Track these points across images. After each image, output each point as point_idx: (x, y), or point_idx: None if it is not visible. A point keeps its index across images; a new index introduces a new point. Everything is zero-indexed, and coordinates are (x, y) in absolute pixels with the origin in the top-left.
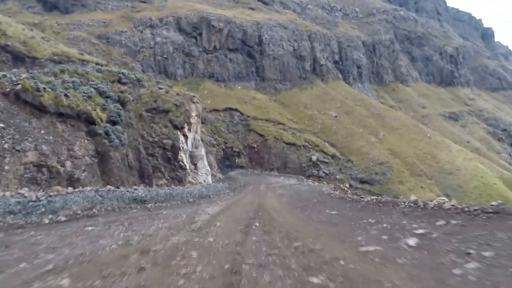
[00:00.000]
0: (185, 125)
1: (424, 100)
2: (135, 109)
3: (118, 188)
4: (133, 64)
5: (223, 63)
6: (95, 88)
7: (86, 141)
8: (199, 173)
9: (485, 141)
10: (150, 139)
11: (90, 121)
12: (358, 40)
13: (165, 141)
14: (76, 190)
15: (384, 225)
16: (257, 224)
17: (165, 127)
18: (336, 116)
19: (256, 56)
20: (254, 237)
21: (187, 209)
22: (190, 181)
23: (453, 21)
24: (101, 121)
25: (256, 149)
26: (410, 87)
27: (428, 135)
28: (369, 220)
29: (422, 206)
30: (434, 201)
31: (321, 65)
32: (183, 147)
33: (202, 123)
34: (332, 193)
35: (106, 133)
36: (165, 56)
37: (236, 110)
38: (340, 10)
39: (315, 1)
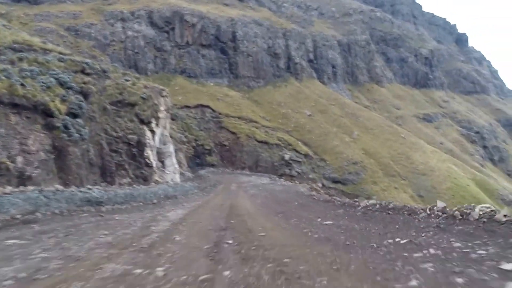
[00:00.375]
0: (153, 120)
1: (399, 101)
2: (98, 102)
3: (77, 187)
4: (102, 58)
5: (195, 58)
6: (55, 78)
7: (42, 135)
8: (167, 172)
9: (458, 143)
10: (114, 134)
11: (47, 113)
12: (333, 39)
13: (130, 136)
14: (16, 190)
15: (431, 250)
16: (230, 242)
17: (130, 121)
18: (310, 115)
19: (229, 52)
20: (227, 271)
21: (146, 213)
22: (157, 180)
23: (428, 25)
24: (60, 113)
25: (227, 147)
26: (384, 88)
27: (402, 135)
28: (396, 239)
29: (460, 217)
30: (477, 210)
31: (296, 64)
32: (149, 143)
33: (173, 119)
34: (313, 195)
35: (65, 126)
36: (136, 50)
37: (208, 107)
38: (316, 9)
39: None
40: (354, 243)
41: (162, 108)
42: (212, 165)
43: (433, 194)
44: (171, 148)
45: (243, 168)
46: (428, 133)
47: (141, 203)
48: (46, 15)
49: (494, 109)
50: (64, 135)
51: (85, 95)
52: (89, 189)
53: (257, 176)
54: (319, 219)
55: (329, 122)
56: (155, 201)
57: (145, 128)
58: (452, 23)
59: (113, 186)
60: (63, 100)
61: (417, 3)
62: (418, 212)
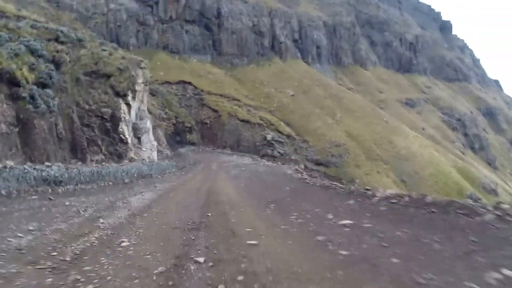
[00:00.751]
0: (129, 93)
1: (382, 85)
2: (71, 72)
3: (43, 163)
4: (84, 31)
5: (178, 34)
6: (25, 46)
7: (5, 105)
8: (143, 149)
9: (439, 129)
10: (87, 107)
11: (13, 82)
12: (319, 20)
13: (104, 109)
14: None
15: None
16: (201, 260)
17: (105, 93)
18: (293, 95)
19: (213, 29)
20: None
21: (108, 196)
22: (132, 157)
23: (413, 10)
24: (27, 82)
25: (209, 125)
26: (368, 71)
27: (385, 119)
28: (501, 269)
29: None
30: None
31: (280, 43)
32: (125, 118)
33: (153, 95)
34: (305, 178)
35: (32, 97)
36: (118, 23)
37: (189, 83)
38: None
39: None
40: (431, 279)
41: (139, 81)
42: (193, 144)
43: (416, 179)
44: (148, 123)
45: (224, 147)
46: (410, 118)
47: (110, 183)
48: None
49: (475, 97)
50: (30, 106)
51: (57, 64)
52: (48, 166)
53: (238, 156)
54: (330, 216)
55: (312, 103)
56: (126, 180)
57: (121, 101)
58: (436, 10)
59: (84, 163)
60: (31, 69)
61: None
62: (480, 213)
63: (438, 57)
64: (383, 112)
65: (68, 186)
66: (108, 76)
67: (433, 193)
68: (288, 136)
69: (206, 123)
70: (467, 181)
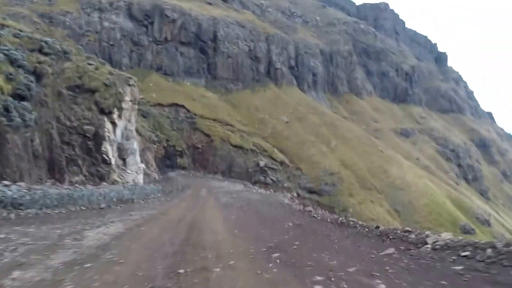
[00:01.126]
0: (115, 110)
1: (377, 115)
2: (53, 85)
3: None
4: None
5: (173, 56)
6: (5, 54)
7: None
8: (128, 171)
9: (434, 160)
10: (68, 123)
11: None
12: (316, 47)
13: (86, 127)
14: None
15: None
16: None
17: (88, 110)
18: (287, 122)
19: (209, 52)
20: None
21: (65, 227)
22: (115, 180)
23: (410, 42)
24: (2, 93)
25: (200, 150)
26: (364, 100)
27: (380, 148)
28: None
29: None
30: None
31: (276, 69)
32: (109, 137)
33: (144, 116)
34: (309, 210)
35: (6, 109)
36: (111, 42)
37: (182, 106)
38: (300, 17)
39: (276, 4)
40: None
41: (127, 98)
42: (183, 168)
43: (410, 209)
44: (135, 144)
45: (216, 173)
46: (405, 148)
47: (83, 208)
48: (20, 0)
49: (469, 129)
50: (4, 119)
51: (38, 76)
52: (6, 185)
53: (230, 182)
54: (380, 285)
55: (307, 130)
56: (103, 205)
57: (105, 119)
58: (433, 42)
59: (62, 183)
60: (8, 79)
61: (400, 19)
62: None
63: (433, 88)
64: (378, 141)
65: (29, 210)
66: (93, 91)
67: (427, 223)
68: (282, 163)
69: (198, 148)
70: (461, 212)
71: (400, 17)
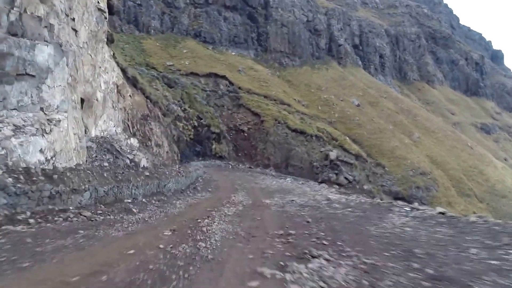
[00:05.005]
0: None
1: (453, 106)
2: None
3: None
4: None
5: (215, 21)
6: None
7: None
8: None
9: None
10: None
11: None
12: (380, 27)
13: None
14: None
15: None
16: None
17: None
18: (359, 105)
19: (259, 20)
20: None
21: None
22: None
23: (465, 38)
24: None
25: (246, 134)
26: (436, 89)
27: (469, 144)
28: None
29: None
30: None
31: (339, 46)
32: None
33: (170, 86)
34: None
35: None
36: (138, 2)
37: (223, 77)
38: None
39: None
40: None
41: None
42: (220, 157)
43: None
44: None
45: (267, 166)
46: (489, 146)
47: None
48: None
49: None
50: None
51: None
52: None
53: (286, 180)
54: None
55: (382, 117)
56: None
57: None
58: (487, 39)
59: None
60: None
61: (454, 15)
62: None
63: (497, 84)
64: (464, 136)
65: None
66: None
67: None
68: (357, 157)
69: (242, 131)
70: None
71: (454, 12)
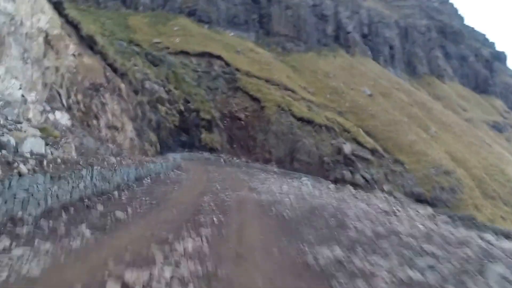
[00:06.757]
0: None
1: (464, 103)
2: None
3: None
4: None
5: None
6: None
7: None
8: None
9: None
10: None
11: None
12: (390, 18)
13: None
14: None
15: None
16: None
17: None
18: (371, 95)
19: (261, 0)
20: None
21: None
22: None
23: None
24: None
25: (243, 122)
26: (446, 84)
27: (487, 142)
28: None
29: None
30: None
31: (347, 33)
32: None
33: (155, 64)
34: None
35: None
36: None
37: (218, 57)
38: None
39: None
40: None
41: None
42: (211, 150)
43: None
44: None
45: (267, 162)
46: (502, 144)
47: None
48: None
49: None
50: None
51: None
52: None
53: (293, 180)
54: None
55: (396, 108)
56: None
57: None
58: (490, 40)
59: None
60: None
61: (459, 15)
62: None
63: (503, 84)
64: (480, 133)
65: None
66: None
67: None
68: (373, 152)
69: (239, 118)
70: None
71: (459, 12)
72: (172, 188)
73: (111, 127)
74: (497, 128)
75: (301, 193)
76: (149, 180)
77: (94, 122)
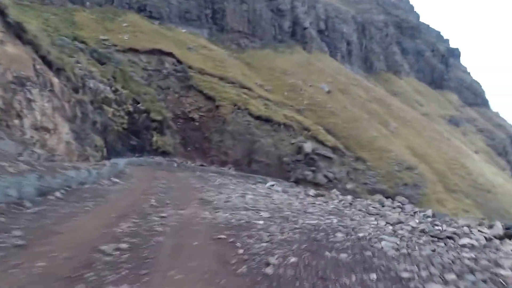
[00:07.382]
0: None
1: (420, 98)
2: None
3: None
4: None
5: None
6: None
7: None
8: None
9: (487, 154)
10: None
11: None
12: (347, 13)
13: None
14: None
15: None
16: None
17: None
18: (329, 92)
19: None
20: None
21: None
22: None
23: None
24: None
25: (197, 123)
26: (402, 80)
27: (446, 136)
28: None
29: None
30: None
31: (304, 29)
32: None
33: (101, 63)
34: None
35: None
36: None
37: (170, 55)
38: None
39: None
40: None
41: None
42: (164, 153)
43: (508, 221)
44: None
45: (224, 164)
46: (461, 138)
47: None
48: None
49: (495, 124)
50: None
51: None
52: None
53: (254, 184)
54: None
55: (355, 105)
56: None
57: None
58: (445, 37)
59: None
60: None
61: (415, 12)
62: None
63: (457, 79)
64: (438, 127)
65: None
66: None
67: None
68: (334, 150)
69: (193, 119)
70: None
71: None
72: (81, 209)
73: (39, 128)
74: (453, 122)
75: (276, 205)
76: (59, 195)
77: (16, 121)
